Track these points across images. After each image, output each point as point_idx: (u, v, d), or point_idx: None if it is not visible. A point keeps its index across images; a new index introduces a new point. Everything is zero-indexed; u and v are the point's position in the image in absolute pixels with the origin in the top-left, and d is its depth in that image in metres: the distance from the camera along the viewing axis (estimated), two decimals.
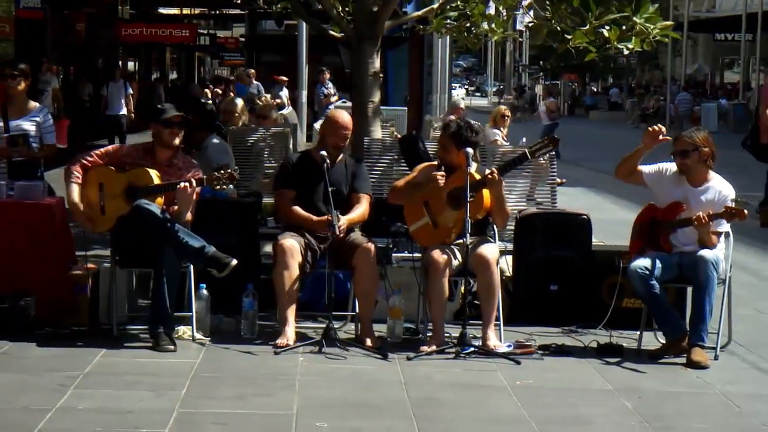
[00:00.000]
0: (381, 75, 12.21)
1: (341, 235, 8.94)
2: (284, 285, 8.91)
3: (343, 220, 9.01)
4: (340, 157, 9.34)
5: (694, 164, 8.97)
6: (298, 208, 9.19)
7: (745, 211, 8.80)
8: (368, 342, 8.88)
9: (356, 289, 9.16)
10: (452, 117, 15.63)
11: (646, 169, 9.12)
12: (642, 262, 8.82)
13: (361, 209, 9.26)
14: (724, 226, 8.98)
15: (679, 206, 8.96)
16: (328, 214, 8.92)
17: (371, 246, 9.04)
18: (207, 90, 31.71)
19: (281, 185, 9.38)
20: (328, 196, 8.93)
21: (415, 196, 9.20)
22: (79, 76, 32.52)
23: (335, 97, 26.84)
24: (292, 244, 8.95)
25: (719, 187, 9.00)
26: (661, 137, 8.88)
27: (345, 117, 9.46)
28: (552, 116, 31.27)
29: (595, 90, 77.11)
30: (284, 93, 26.55)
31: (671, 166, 9.12)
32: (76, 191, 9.15)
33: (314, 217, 9.10)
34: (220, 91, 29.53)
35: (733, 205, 8.83)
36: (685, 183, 9.03)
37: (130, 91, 26.96)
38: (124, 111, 26.40)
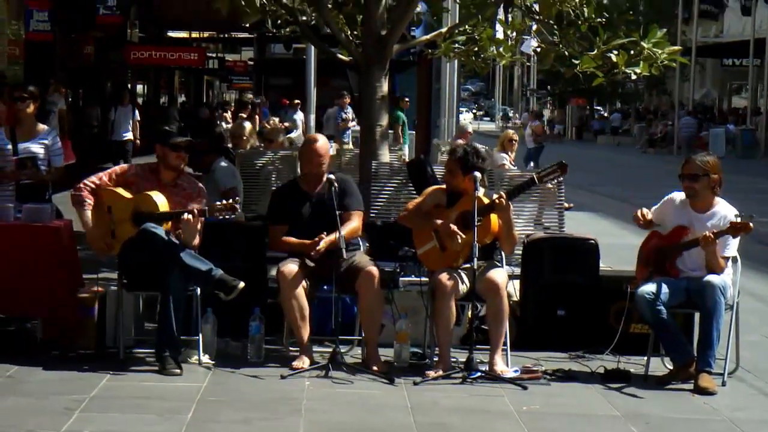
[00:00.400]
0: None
1: (319, 251, 8.98)
2: (293, 309, 8.92)
3: (327, 239, 9.00)
4: (324, 179, 9.32)
5: (702, 189, 8.97)
6: (289, 239, 9.20)
7: (751, 224, 8.78)
8: (375, 367, 8.86)
9: (361, 314, 9.15)
10: (460, 141, 15.65)
11: (654, 213, 9.15)
12: (649, 288, 8.81)
13: (352, 225, 9.20)
14: (732, 250, 8.96)
15: (684, 230, 8.95)
16: (326, 236, 8.95)
17: (374, 270, 9.02)
18: (225, 114, 31.53)
19: (273, 221, 9.39)
20: (335, 221, 8.94)
21: (425, 225, 9.19)
22: (88, 100, 32.52)
23: (353, 122, 26.75)
24: (292, 269, 8.97)
25: (724, 212, 8.99)
26: (642, 222, 8.97)
27: (319, 144, 9.40)
28: (538, 139, 31.27)
29: (604, 114, 77.10)
30: (299, 116, 26.60)
31: (675, 196, 9.14)
32: (89, 215, 9.16)
33: (306, 241, 9.09)
34: (245, 116, 29.13)
35: (738, 220, 8.82)
36: (689, 209, 9.02)
37: (138, 116, 26.69)
38: (130, 136, 26.13)
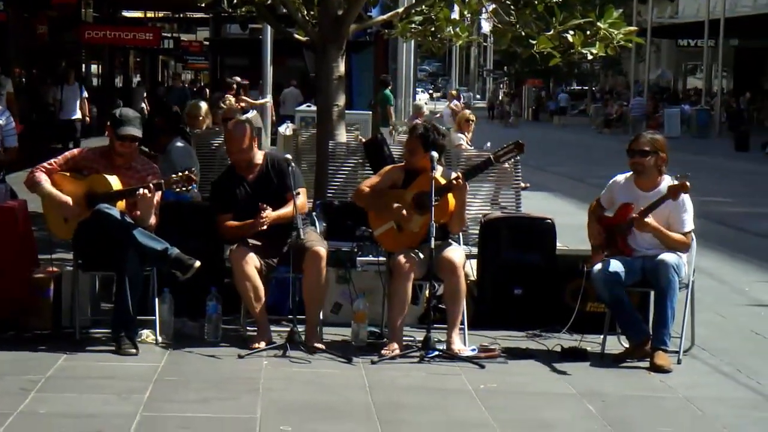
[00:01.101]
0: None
1: (265, 226, 8.94)
2: (247, 290, 8.90)
3: (273, 214, 8.97)
4: (259, 163, 9.26)
5: (649, 166, 9.01)
6: (232, 222, 9.17)
7: (687, 183, 8.85)
8: (317, 345, 8.86)
9: (303, 292, 9.08)
10: (417, 120, 15.66)
11: (602, 201, 9.22)
12: (605, 267, 8.85)
13: (290, 207, 8.99)
14: (689, 224, 9.00)
15: (629, 207, 8.99)
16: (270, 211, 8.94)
17: (321, 250, 8.96)
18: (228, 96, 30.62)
19: (217, 211, 9.34)
20: (276, 200, 8.93)
21: (379, 205, 9.17)
22: (42, 80, 32.15)
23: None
24: (244, 250, 8.96)
25: (666, 188, 9.03)
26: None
27: (237, 132, 9.27)
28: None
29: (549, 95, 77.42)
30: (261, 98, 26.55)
31: (619, 177, 9.22)
32: (48, 187, 9.03)
33: (249, 222, 9.04)
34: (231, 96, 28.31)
35: (675, 183, 8.90)
36: (634, 187, 9.07)
37: (85, 94, 26.43)
38: (78, 115, 25.89)
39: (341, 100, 12.18)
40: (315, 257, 8.91)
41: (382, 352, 8.76)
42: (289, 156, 9.38)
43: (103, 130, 11.10)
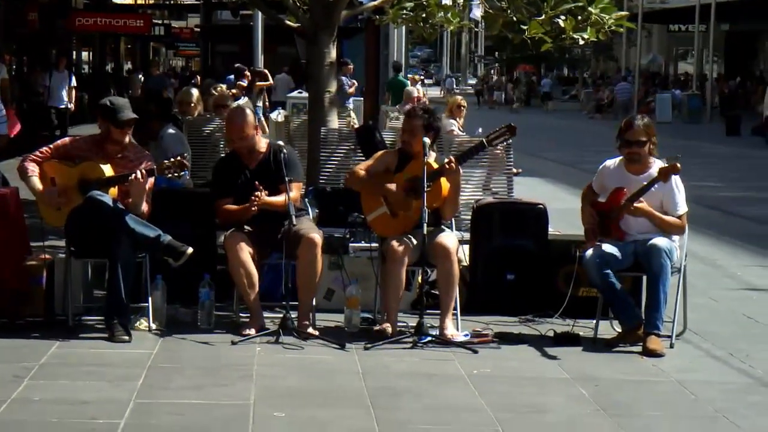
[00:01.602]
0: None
1: (255, 207, 8.91)
2: (241, 276, 8.90)
3: (266, 199, 8.93)
4: (262, 150, 9.24)
5: (644, 155, 9.03)
6: (229, 206, 9.15)
7: (678, 164, 8.87)
8: (310, 330, 8.87)
9: (297, 279, 9.08)
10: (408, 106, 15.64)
11: (594, 186, 9.22)
12: (597, 251, 8.86)
13: (292, 194, 8.98)
14: (683, 206, 9.01)
15: (621, 191, 9.00)
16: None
17: (317, 237, 8.96)
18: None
19: (216, 195, 9.32)
20: (276, 189, 8.92)
21: (373, 188, 9.17)
22: (33, 67, 31.95)
23: (352, 89, 26.51)
24: (238, 236, 8.96)
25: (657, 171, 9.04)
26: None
27: (236, 119, 9.24)
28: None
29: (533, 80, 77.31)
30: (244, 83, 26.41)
31: (608, 162, 9.23)
32: (37, 182, 9.06)
33: (244, 206, 9.02)
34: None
35: (665, 165, 8.93)
36: (625, 171, 9.08)
37: (74, 82, 26.22)
38: (66, 103, 25.72)
39: (333, 87, 12.17)
40: (310, 244, 8.91)
41: (376, 331, 8.80)
42: (285, 146, 9.36)
43: (83, 119, 11.05)
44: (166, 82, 33.36)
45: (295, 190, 9.15)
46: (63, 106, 25.60)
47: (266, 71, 24.33)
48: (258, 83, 23.81)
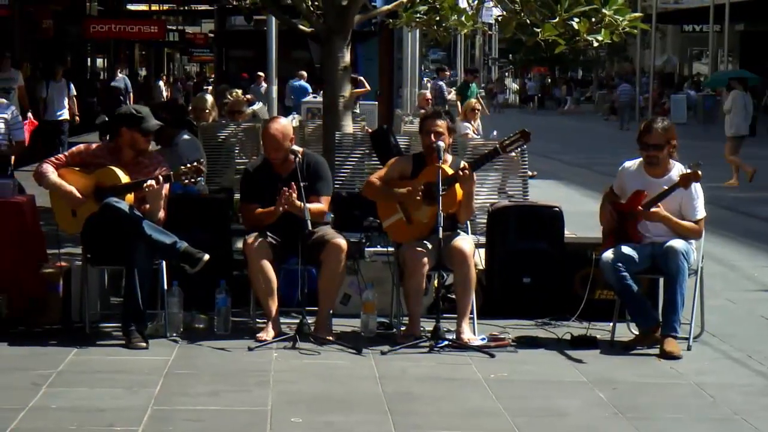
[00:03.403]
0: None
1: (282, 209, 8.92)
2: (260, 281, 8.91)
3: (295, 201, 8.91)
4: (293, 160, 9.22)
5: (663, 158, 9.01)
6: (259, 210, 9.14)
7: (699, 172, 8.85)
8: (328, 337, 8.87)
9: (320, 283, 9.07)
10: (423, 109, 15.63)
11: (615, 188, 9.20)
12: (614, 254, 8.84)
13: (318, 205, 9.08)
14: (701, 211, 9.00)
15: (641, 194, 8.98)
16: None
17: (342, 242, 9.00)
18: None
19: (244, 199, 9.35)
20: (300, 195, 8.91)
21: (390, 199, 9.18)
22: (33, 75, 30.49)
23: (451, 95, 26.86)
24: (258, 241, 8.96)
25: (677, 175, 9.02)
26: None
27: (273, 128, 9.24)
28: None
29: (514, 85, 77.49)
30: (261, 88, 26.46)
31: (627, 164, 9.22)
32: (56, 179, 9.04)
33: (271, 208, 9.02)
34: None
35: (686, 170, 8.90)
36: (645, 174, 9.06)
37: (74, 92, 23.89)
38: (66, 115, 23.32)
39: (347, 91, 12.17)
40: (336, 248, 8.93)
41: (398, 340, 8.83)
42: (319, 157, 9.42)
43: (82, 129, 11.00)
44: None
45: (324, 203, 9.17)
46: (62, 119, 23.21)
47: (362, 78, 24.33)
48: (355, 90, 23.91)
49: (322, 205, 9.14)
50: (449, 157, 9.17)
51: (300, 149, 9.36)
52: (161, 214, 9.02)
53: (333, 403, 7.39)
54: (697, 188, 8.98)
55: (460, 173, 8.96)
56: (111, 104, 26.60)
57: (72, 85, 24.10)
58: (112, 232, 8.78)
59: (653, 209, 8.82)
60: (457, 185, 9.01)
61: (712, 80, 47.23)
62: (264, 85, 26.60)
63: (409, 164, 9.29)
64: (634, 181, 9.10)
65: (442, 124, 9.15)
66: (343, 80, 12.06)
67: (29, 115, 20.02)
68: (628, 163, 9.23)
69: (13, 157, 12.12)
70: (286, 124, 9.43)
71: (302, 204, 8.86)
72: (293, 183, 8.95)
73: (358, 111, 22.51)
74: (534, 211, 10.32)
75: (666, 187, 8.91)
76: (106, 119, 20.44)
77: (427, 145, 9.17)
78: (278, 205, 8.94)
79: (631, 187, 9.07)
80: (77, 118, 24.06)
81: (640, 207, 8.88)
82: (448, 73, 28.60)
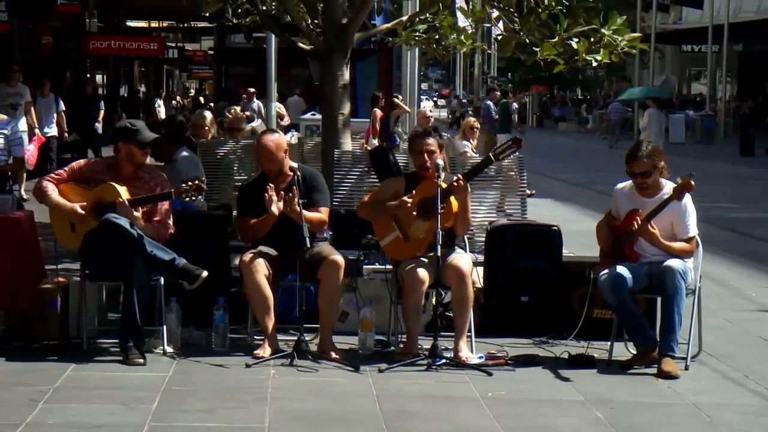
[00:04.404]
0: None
1: (275, 198, 8.95)
2: (257, 298, 8.91)
3: (303, 225, 8.92)
4: (290, 174, 9.25)
5: (654, 182, 9.03)
6: (254, 221, 9.15)
7: (692, 181, 8.86)
8: (332, 354, 8.87)
9: (320, 301, 9.09)
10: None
11: (612, 212, 9.23)
12: (612, 273, 8.85)
13: (317, 215, 9.13)
14: (693, 228, 9.01)
15: (635, 213, 8.99)
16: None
17: (340, 259, 9.01)
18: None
19: (241, 214, 9.37)
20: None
21: (385, 215, 9.19)
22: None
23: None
24: (254, 258, 8.95)
25: (669, 191, 9.03)
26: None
27: (265, 141, 9.29)
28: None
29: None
30: (255, 105, 26.49)
31: (619, 186, 9.24)
32: (56, 196, 9.06)
33: (264, 216, 9.02)
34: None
35: (680, 181, 8.92)
36: (637, 196, 9.08)
37: (62, 107, 23.15)
38: (54, 132, 22.29)
39: (346, 109, 12.19)
40: (334, 266, 8.93)
41: (396, 358, 8.83)
42: (315, 171, 9.46)
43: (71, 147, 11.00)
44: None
45: (324, 214, 9.19)
46: (50, 135, 21.93)
47: (400, 97, 24.63)
48: (395, 111, 24.12)
49: (322, 214, 9.17)
50: (443, 174, 9.16)
51: (296, 164, 9.38)
52: (171, 229, 9.08)
53: (330, 421, 7.38)
54: (688, 206, 8.99)
55: (455, 184, 8.97)
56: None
57: (60, 100, 23.33)
58: (111, 248, 8.79)
59: (646, 226, 8.83)
60: (453, 199, 9.01)
61: (628, 95, 48.82)
62: (256, 101, 26.62)
63: (402, 184, 9.30)
64: (627, 202, 9.11)
65: (432, 143, 9.18)
66: (342, 98, 12.08)
67: (36, 131, 19.95)
68: (620, 185, 9.25)
69: (13, 173, 12.12)
70: (279, 136, 9.45)
71: (300, 210, 8.85)
72: (294, 188, 8.97)
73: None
74: (532, 230, 10.32)
75: (660, 203, 8.92)
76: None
77: (419, 164, 9.20)
78: (268, 205, 8.94)
79: (625, 209, 9.09)
80: (66, 134, 23.18)
81: (636, 222, 8.88)
82: (498, 93, 28.67)
